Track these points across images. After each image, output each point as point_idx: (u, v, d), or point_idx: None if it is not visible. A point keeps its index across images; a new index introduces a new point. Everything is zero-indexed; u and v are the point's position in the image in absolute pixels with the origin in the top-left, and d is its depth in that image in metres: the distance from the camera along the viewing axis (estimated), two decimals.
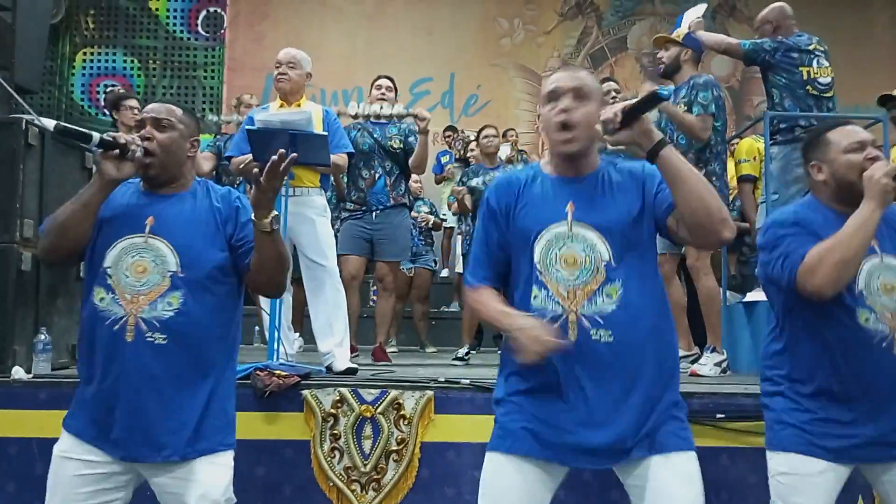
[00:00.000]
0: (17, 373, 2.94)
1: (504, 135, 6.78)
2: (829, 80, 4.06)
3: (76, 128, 1.89)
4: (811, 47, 4.08)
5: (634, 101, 1.65)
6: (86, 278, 1.92)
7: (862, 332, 1.90)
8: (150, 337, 1.81)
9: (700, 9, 4.41)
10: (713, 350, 3.67)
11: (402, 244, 4.55)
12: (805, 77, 4.03)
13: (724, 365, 3.64)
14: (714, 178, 3.71)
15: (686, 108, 3.75)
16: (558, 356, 1.64)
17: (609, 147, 1.90)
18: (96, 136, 1.84)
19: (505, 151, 6.36)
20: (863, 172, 1.91)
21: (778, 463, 1.97)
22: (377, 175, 4.43)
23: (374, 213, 4.42)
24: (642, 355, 1.68)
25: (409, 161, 4.44)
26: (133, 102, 4.99)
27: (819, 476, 1.90)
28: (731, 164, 6.08)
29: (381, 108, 4.42)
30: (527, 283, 1.73)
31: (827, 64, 4.08)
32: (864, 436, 1.91)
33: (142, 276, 1.82)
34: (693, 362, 3.75)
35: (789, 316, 2.00)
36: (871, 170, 1.89)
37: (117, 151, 1.82)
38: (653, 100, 1.63)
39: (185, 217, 1.90)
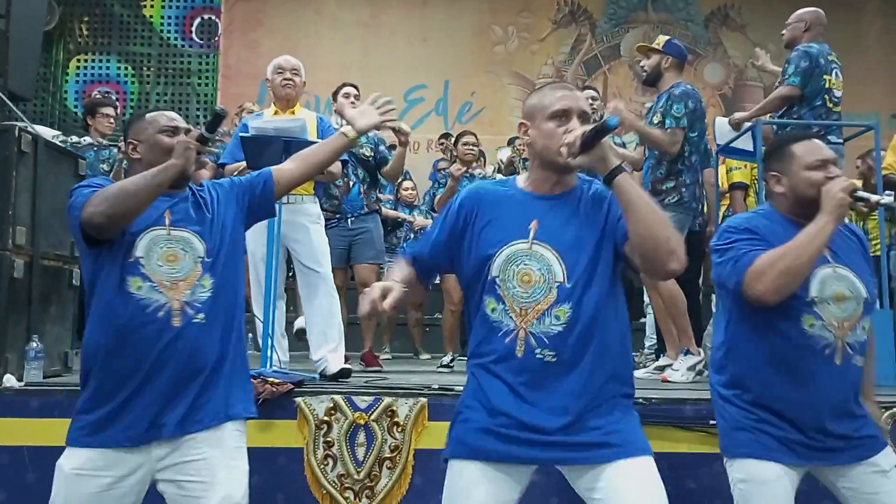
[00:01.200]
0: (9, 381, 2.93)
1: (510, 142, 6.78)
2: (840, 93, 4.10)
3: (217, 111, 2.04)
4: (831, 57, 4.11)
5: (588, 129, 1.68)
6: (107, 271, 1.93)
7: (805, 338, 1.92)
8: (195, 318, 1.92)
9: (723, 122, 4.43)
10: (687, 352, 3.66)
11: (379, 247, 4.63)
12: (826, 86, 4.05)
13: (699, 367, 3.62)
14: (683, 189, 3.74)
15: (662, 118, 3.76)
16: (505, 368, 1.71)
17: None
18: (223, 109, 2.06)
19: (506, 153, 6.36)
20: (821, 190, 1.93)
21: (736, 470, 1.99)
22: (351, 183, 4.47)
23: (349, 220, 4.48)
24: (586, 372, 1.70)
25: (384, 170, 4.47)
26: (109, 110, 4.97)
27: (776, 482, 1.92)
28: (721, 171, 6.13)
29: (362, 149, 4.47)
30: (485, 293, 1.76)
31: (840, 77, 4.10)
32: (810, 441, 1.93)
33: (175, 263, 1.93)
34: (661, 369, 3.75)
35: (736, 320, 2.02)
36: (830, 184, 1.92)
37: (208, 142, 2.01)
38: (602, 130, 1.66)
39: (198, 207, 2.04)
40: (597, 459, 1.69)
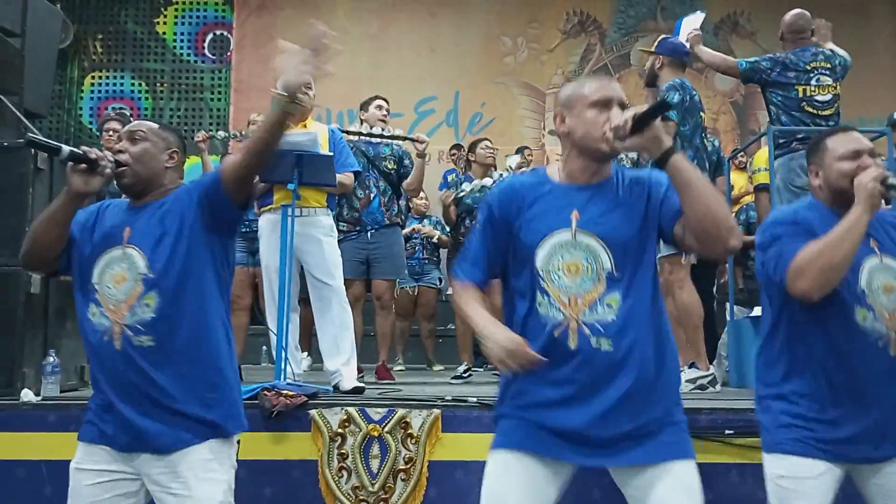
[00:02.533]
0: (26, 395, 2.95)
1: (519, 151, 6.79)
2: (828, 97, 4.07)
3: (46, 141, 1.96)
4: (811, 65, 4.09)
5: (644, 108, 1.67)
6: (76, 294, 1.97)
7: (859, 330, 1.91)
8: (136, 341, 1.85)
9: (697, 19, 4.42)
10: (692, 365, 3.61)
11: (398, 262, 4.57)
12: (801, 95, 4.05)
13: (702, 382, 3.56)
14: None
15: None
16: (557, 362, 1.67)
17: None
18: (66, 149, 1.89)
19: (515, 160, 6.36)
20: (853, 181, 1.92)
21: (776, 466, 1.96)
22: (372, 195, 4.46)
23: (369, 233, 4.43)
24: (641, 363, 1.69)
25: (405, 183, 4.47)
26: (114, 125, 5.01)
27: (818, 478, 1.90)
28: (740, 177, 6.11)
29: (383, 129, 4.47)
30: (529, 288, 1.73)
31: (829, 81, 4.08)
32: (859, 435, 1.91)
33: (121, 284, 1.88)
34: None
35: (786, 315, 2.01)
36: (861, 175, 1.91)
37: (84, 165, 1.88)
38: (662, 107, 1.68)
39: (157, 219, 1.93)
40: (643, 459, 1.67)
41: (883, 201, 1.95)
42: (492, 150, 5.15)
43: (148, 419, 1.85)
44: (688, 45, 4.18)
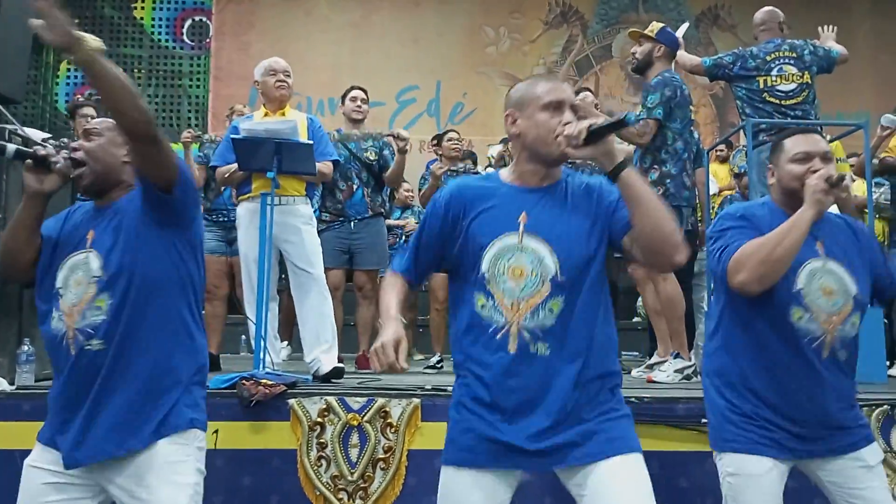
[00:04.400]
0: (1, 384, 2.92)
1: (503, 142, 6.78)
2: (792, 86, 4.10)
3: None
4: (772, 56, 4.14)
5: (600, 122, 1.66)
6: (38, 305, 1.91)
7: (792, 330, 1.93)
8: (87, 345, 1.81)
9: (682, 29, 4.46)
10: (677, 356, 3.66)
11: (381, 252, 4.56)
12: (762, 86, 4.10)
13: (688, 372, 3.60)
14: (668, 180, 3.71)
15: (646, 112, 3.76)
16: (496, 366, 1.68)
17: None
18: (11, 147, 1.84)
19: (496, 149, 6.35)
20: (804, 183, 1.95)
21: (726, 464, 2.00)
22: (355, 186, 4.44)
23: (352, 223, 4.42)
24: (579, 366, 1.69)
25: (385, 175, 4.46)
26: (89, 111, 4.92)
27: (766, 475, 1.94)
28: (722, 169, 6.17)
29: (363, 129, 4.48)
30: (473, 290, 1.73)
31: (794, 70, 4.12)
32: (797, 434, 1.95)
33: (78, 287, 1.83)
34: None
35: (726, 310, 2.04)
36: (809, 178, 1.94)
37: (32, 162, 1.83)
38: (618, 124, 1.66)
39: (116, 227, 1.88)
40: (586, 459, 1.68)
41: (833, 200, 1.96)
42: (457, 143, 5.15)
43: (100, 424, 1.80)
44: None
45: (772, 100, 4.09)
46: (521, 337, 1.68)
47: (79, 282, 1.83)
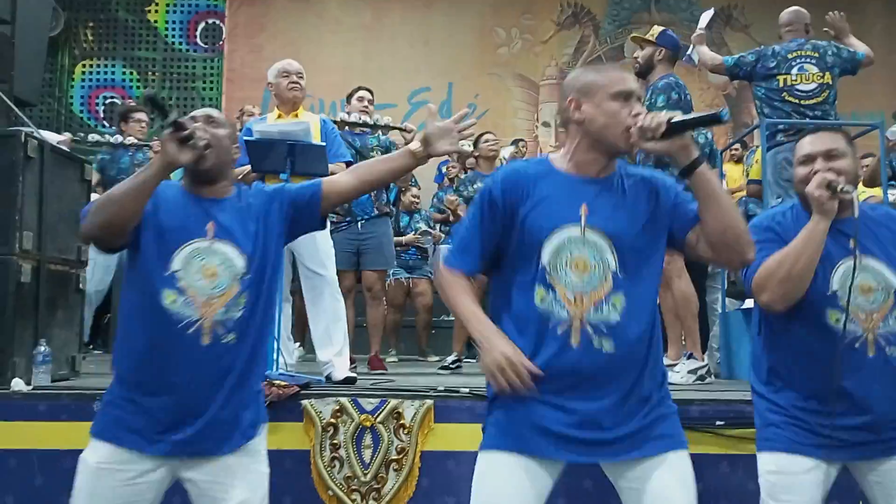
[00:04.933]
0: (17, 385, 2.94)
1: (515, 143, 6.78)
2: (812, 86, 4.07)
3: (159, 100, 1.87)
4: (793, 54, 4.11)
5: (687, 116, 1.64)
6: (139, 280, 1.88)
7: (831, 333, 1.90)
8: (225, 339, 1.84)
9: (707, 16, 4.45)
10: (690, 356, 3.64)
11: (388, 253, 4.59)
12: (782, 84, 4.07)
13: (701, 372, 3.58)
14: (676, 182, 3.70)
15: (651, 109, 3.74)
16: (554, 359, 1.64)
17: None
18: (173, 114, 1.84)
19: (509, 150, 6.34)
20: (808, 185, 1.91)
21: (766, 462, 1.98)
22: None
23: (359, 223, 4.44)
24: (638, 363, 1.69)
25: None
26: (142, 116, 5.07)
27: (807, 474, 1.91)
28: (736, 169, 6.14)
29: (371, 119, 4.48)
30: (532, 282, 1.67)
31: (815, 70, 4.09)
32: (844, 435, 1.91)
33: (213, 279, 1.85)
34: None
35: (767, 317, 2.01)
36: (810, 184, 1.89)
37: (184, 135, 1.82)
38: (712, 121, 1.65)
39: (242, 219, 1.93)
40: (640, 454, 1.67)
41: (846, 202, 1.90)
42: (495, 143, 5.12)
43: (222, 418, 1.84)
44: (692, 41, 4.23)
45: (791, 99, 4.06)
46: (584, 332, 1.64)
47: (213, 272, 1.84)
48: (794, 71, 4.07)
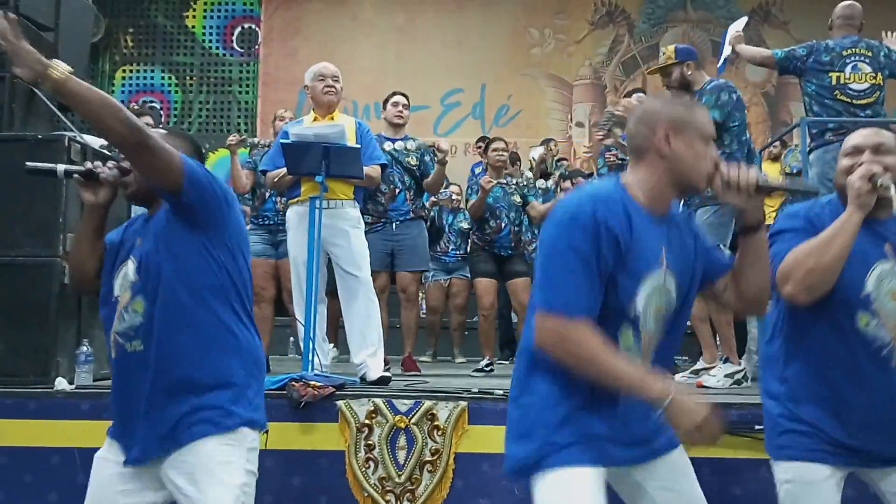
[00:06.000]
0: (61, 384, 3.01)
1: (545, 143, 6.72)
2: (865, 86, 3.97)
3: (40, 165, 1.95)
4: (848, 51, 4.00)
5: (778, 183, 1.66)
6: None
7: (859, 336, 1.84)
8: (130, 347, 1.86)
9: (741, 22, 4.39)
10: (726, 360, 3.61)
11: (422, 254, 4.58)
12: (834, 82, 3.96)
13: (738, 377, 3.54)
14: None
15: None
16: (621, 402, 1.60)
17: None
18: (60, 168, 1.91)
19: (538, 151, 6.29)
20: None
21: (783, 471, 1.92)
22: (397, 190, 4.45)
23: (394, 225, 4.44)
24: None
25: (425, 182, 4.47)
26: (146, 119, 5.07)
27: (824, 482, 1.87)
28: (773, 168, 6.03)
29: (406, 143, 4.49)
30: (618, 324, 1.59)
31: (868, 69, 3.99)
32: (860, 442, 1.86)
33: (123, 293, 1.89)
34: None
35: (788, 316, 1.94)
36: (852, 174, 1.84)
37: (82, 178, 1.90)
38: (803, 194, 1.68)
39: (155, 227, 1.91)
40: (663, 450, 1.70)
41: (885, 200, 1.84)
42: (503, 153, 5.00)
43: (145, 424, 1.84)
44: (730, 46, 4.18)
45: (843, 98, 3.95)
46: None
47: (122, 286, 1.90)
48: (848, 69, 3.97)
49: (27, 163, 1.97)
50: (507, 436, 1.69)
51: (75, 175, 1.91)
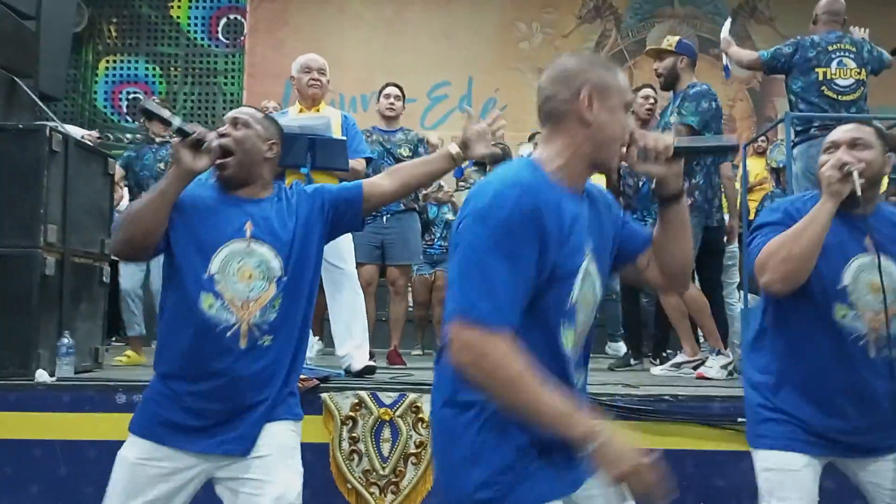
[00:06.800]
0: (41, 376, 2.98)
1: (531, 138, 6.72)
2: (850, 81, 3.99)
3: (160, 111, 1.92)
4: (833, 47, 4.02)
5: (696, 143, 1.54)
6: (178, 283, 1.87)
7: (836, 328, 1.87)
8: (261, 341, 1.85)
9: (726, 26, 4.41)
10: (718, 352, 3.65)
11: (413, 248, 4.56)
12: (820, 78, 3.98)
13: (730, 367, 3.60)
14: (697, 192, 3.70)
15: (679, 118, 3.73)
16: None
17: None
18: (176, 121, 1.85)
19: (527, 148, 6.29)
20: None
21: (763, 459, 1.96)
22: None
23: (384, 218, 4.42)
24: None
25: None
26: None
27: (802, 470, 1.90)
28: (758, 164, 6.07)
29: (401, 149, 4.49)
30: (560, 321, 1.40)
31: (853, 65, 4.01)
32: (837, 433, 1.89)
33: (249, 282, 1.84)
34: (696, 367, 3.73)
35: (771, 307, 1.98)
36: (824, 167, 1.87)
37: (192, 140, 1.82)
38: (723, 150, 1.55)
39: (281, 219, 1.91)
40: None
41: (867, 194, 1.87)
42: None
43: (254, 415, 1.85)
44: (722, 49, 4.24)
45: (829, 94, 3.97)
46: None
47: (250, 275, 1.84)
48: (834, 65, 3.98)
49: (145, 100, 1.93)
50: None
51: (186, 136, 1.83)
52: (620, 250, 1.58)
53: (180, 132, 1.82)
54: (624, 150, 1.46)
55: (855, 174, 1.83)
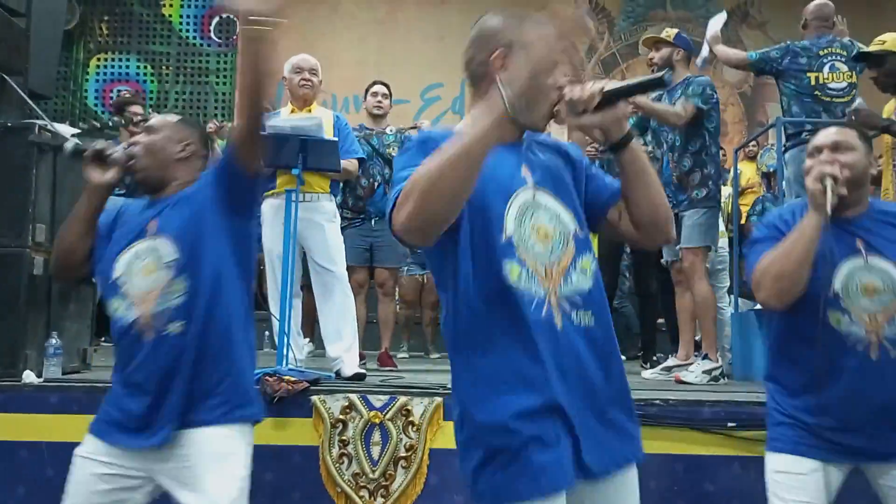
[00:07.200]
0: (28, 377, 2.96)
1: None
2: (843, 84, 4.01)
3: (52, 140, 1.95)
4: (824, 51, 4.04)
5: (624, 83, 1.41)
6: (103, 298, 1.95)
7: (833, 334, 1.87)
8: (166, 330, 1.83)
9: (720, 20, 4.41)
10: (705, 357, 3.64)
11: (401, 250, 4.57)
12: (812, 83, 4.00)
13: (715, 373, 3.59)
14: (710, 182, 3.72)
15: (683, 96, 3.74)
16: None
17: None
18: (69, 145, 1.92)
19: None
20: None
21: (773, 462, 1.97)
22: (376, 183, 4.44)
23: (373, 220, 4.42)
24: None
25: None
26: (136, 108, 5.03)
27: (812, 474, 1.90)
28: (748, 167, 6.09)
29: (386, 131, 4.47)
30: (494, 256, 1.36)
31: (845, 69, 4.03)
32: (849, 437, 1.89)
33: (150, 276, 1.85)
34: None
35: (775, 317, 1.99)
36: (808, 178, 1.87)
37: (92, 157, 1.89)
38: (654, 85, 1.48)
39: (186, 212, 1.90)
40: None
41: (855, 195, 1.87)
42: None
43: (172, 406, 1.82)
44: (708, 45, 4.21)
45: (823, 98, 3.98)
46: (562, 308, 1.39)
47: (149, 269, 1.85)
48: (826, 69, 4.00)
49: (34, 137, 1.96)
50: None
51: (85, 154, 1.90)
52: (589, 205, 1.51)
53: (78, 151, 1.89)
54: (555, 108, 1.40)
55: (828, 186, 1.81)
